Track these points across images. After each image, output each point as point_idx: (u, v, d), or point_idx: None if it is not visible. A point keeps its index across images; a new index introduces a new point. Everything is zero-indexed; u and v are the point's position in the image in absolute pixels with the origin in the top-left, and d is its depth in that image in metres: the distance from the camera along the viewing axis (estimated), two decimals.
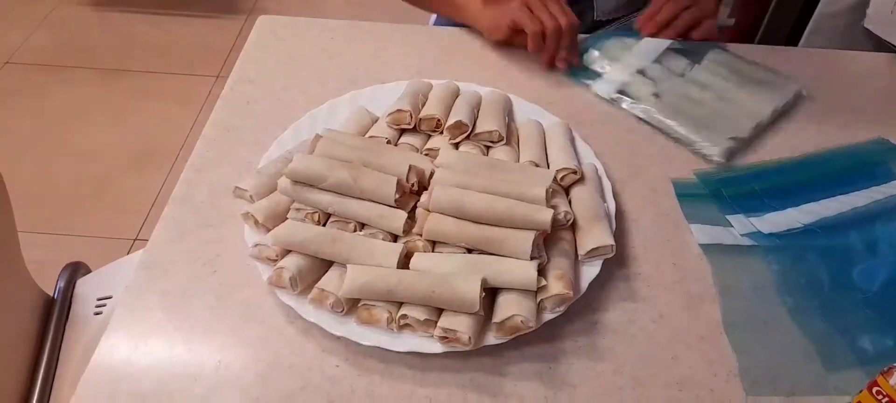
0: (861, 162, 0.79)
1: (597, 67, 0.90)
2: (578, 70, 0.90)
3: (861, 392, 0.52)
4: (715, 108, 0.83)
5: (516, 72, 0.91)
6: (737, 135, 0.79)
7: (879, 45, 0.99)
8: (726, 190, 0.74)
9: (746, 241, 0.69)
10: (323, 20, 1.00)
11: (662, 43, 0.92)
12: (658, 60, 0.90)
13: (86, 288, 0.93)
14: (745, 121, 0.81)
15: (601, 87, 0.87)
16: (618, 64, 0.90)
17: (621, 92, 0.86)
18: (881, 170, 0.77)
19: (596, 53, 0.92)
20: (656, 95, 0.85)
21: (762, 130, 0.82)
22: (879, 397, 0.50)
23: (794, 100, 0.86)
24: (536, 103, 0.83)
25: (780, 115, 0.85)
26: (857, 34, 1.03)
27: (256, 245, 0.63)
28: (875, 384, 0.50)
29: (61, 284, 0.92)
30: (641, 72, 0.88)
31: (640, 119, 0.84)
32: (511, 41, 0.92)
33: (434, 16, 1.24)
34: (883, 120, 0.85)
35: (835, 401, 0.57)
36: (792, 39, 1.13)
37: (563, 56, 0.88)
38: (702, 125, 0.80)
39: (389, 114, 0.76)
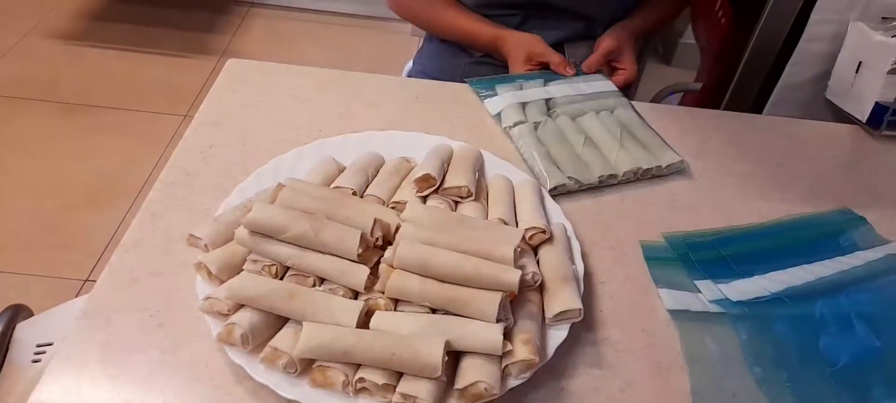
0: (826, 232, 0.79)
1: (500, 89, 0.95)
2: (483, 84, 0.97)
3: None
4: (578, 152, 0.84)
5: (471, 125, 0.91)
6: (577, 178, 0.79)
7: (840, 115, 1.01)
8: (694, 254, 0.74)
9: (715, 308, 0.68)
10: (295, 66, 0.99)
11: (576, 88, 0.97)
12: (564, 100, 0.94)
13: (26, 333, 0.87)
14: (598, 170, 0.81)
15: (493, 103, 0.92)
16: (524, 92, 0.94)
17: (503, 112, 0.90)
18: (845, 239, 0.78)
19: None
20: (534, 125, 0.87)
21: (613, 184, 0.82)
22: None
23: (667, 168, 0.84)
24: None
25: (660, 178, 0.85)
26: (818, 105, 1.06)
27: (207, 298, 0.60)
28: None
29: None
30: (540, 102, 0.93)
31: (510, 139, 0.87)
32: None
33: (409, 65, 1.25)
34: (845, 189, 0.87)
35: None
36: (756, 108, 1.15)
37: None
38: (551, 161, 0.82)
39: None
